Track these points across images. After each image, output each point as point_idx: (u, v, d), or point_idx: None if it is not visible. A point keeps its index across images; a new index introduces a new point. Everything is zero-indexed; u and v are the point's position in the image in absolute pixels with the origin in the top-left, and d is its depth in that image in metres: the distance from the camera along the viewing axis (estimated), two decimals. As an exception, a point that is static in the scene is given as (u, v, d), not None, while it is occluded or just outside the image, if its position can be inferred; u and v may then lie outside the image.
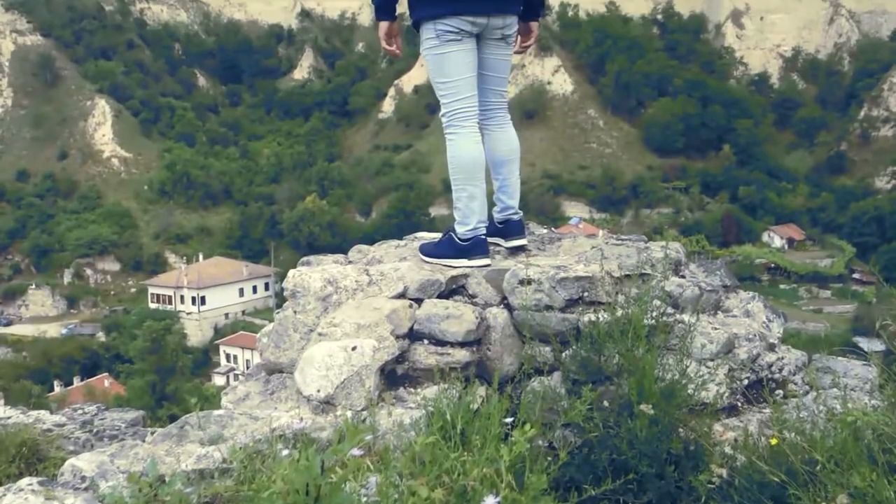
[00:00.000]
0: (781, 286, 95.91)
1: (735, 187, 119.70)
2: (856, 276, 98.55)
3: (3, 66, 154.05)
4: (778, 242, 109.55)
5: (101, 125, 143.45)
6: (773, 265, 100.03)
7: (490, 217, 4.38)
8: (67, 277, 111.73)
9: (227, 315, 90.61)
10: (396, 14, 4.30)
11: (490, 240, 4.24)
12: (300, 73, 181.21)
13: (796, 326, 66.53)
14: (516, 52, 4.52)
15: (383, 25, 4.26)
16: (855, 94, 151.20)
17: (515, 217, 4.40)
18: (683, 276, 3.91)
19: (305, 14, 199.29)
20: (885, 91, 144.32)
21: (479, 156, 4.18)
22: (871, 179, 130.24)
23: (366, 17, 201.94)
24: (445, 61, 4.13)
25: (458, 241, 4.08)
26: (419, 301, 3.62)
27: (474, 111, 4.20)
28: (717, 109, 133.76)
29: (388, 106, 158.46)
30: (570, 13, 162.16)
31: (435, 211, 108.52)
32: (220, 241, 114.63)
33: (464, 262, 4.00)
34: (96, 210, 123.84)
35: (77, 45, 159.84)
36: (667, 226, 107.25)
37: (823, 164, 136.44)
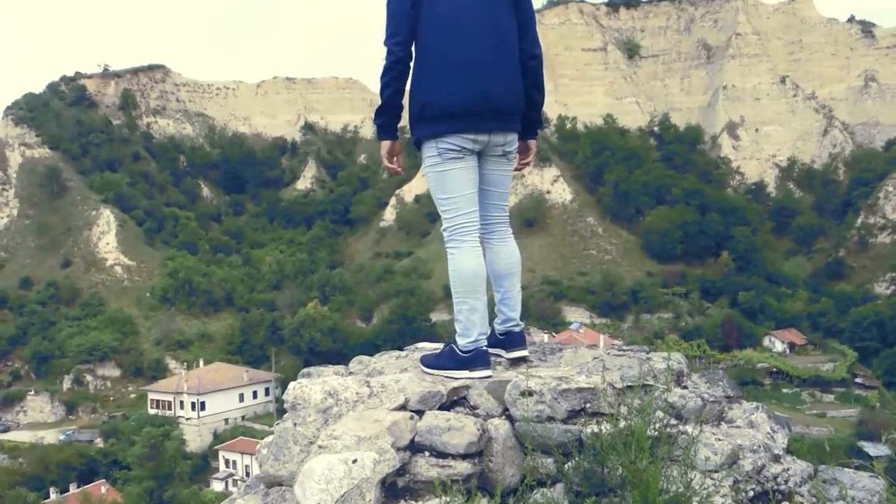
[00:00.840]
0: (784, 390, 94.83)
1: (735, 292, 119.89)
2: (858, 380, 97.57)
3: (10, 177, 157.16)
4: (779, 347, 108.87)
5: (106, 234, 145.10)
6: (775, 369, 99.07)
7: (491, 328, 4.40)
8: (67, 384, 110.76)
9: (226, 420, 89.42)
10: (398, 132, 4.38)
11: (491, 351, 4.23)
12: (303, 183, 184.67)
13: (800, 430, 65.47)
14: (515, 170, 4.59)
15: (386, 144, 4.34)
16: (851, 202, 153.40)
17: (517, 329, 4.41)
18: (686, 387, 3.90)
19: (309, 127, 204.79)
20: (882, 199, 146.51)
21: (480, 270, 4.21)
22: (870, 285, 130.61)
23: (367, 129, 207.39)
24: (447, 178, 4.20)
25: (459, 352, 4.08)
26: (420, 413, 3.59)
27: (475, 226, 4.26)
28: (715, 217, 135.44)
29: (389, 214, 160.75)
30: (569, 125, 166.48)
31: (436, 316, 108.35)
32: (221, 346, 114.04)
33: (465, 373, 3.99)
34: (98, 317, 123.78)
35: (84, 158, 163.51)
36: (667, 331, 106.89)
37: (822, 270, 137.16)
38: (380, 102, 4.27)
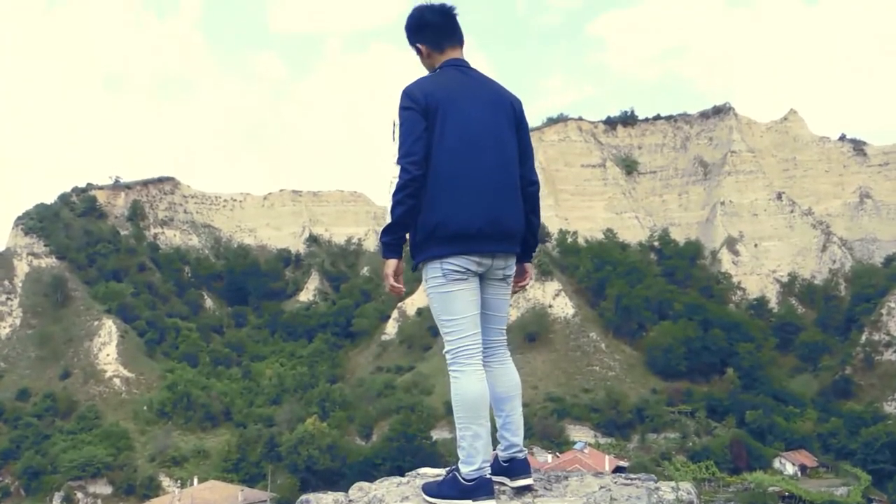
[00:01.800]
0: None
1: (742, 411, 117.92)
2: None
3: (16, 286, 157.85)
4: (790, 469, 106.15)
5: (107, 345, 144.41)
6: (787, 493, 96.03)
7: (494, 454, 4.31)
8: (57, 501, 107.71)
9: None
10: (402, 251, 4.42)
11: (495, 479, 4.14)
12: (306, 295, 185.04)
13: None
14: (512, 292, 4.66)
15: (391, 263, 4.33)
16: (854, 318, 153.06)
17: (520, 455, 4.32)
18: (696, 520, 3.76)
19: (313, 239, 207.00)
20: (885, 316, 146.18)
21: (484, 394, 4.18)
22: (879, 404, 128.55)
23: (371, 242, 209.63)
24: (451, 299, 4.23)
25: (462, 480, 3.99)
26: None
27: (478, 349, 4.26)
28: (719, 333, 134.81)
29: (391, 328, 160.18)
30: (570, 239, 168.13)
31: (437, 434, 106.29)
32: (216, 463, 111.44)
33: (468, 502, 3.89)
34: (93, 430, 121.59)
35: (90, 268, 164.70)
36: (674, 451, 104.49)
37: (829, 389, 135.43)
38: (389, 220, 4.27)
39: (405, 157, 4.20)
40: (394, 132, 4.34)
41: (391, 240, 4.27)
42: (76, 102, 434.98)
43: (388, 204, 4.29)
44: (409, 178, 4.18)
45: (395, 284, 4.36)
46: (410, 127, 4.22)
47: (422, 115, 4.21)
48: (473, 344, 4.24)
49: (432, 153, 4.22)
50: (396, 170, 4.24)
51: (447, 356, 4.29)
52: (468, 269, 4.22)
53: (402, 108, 4.24)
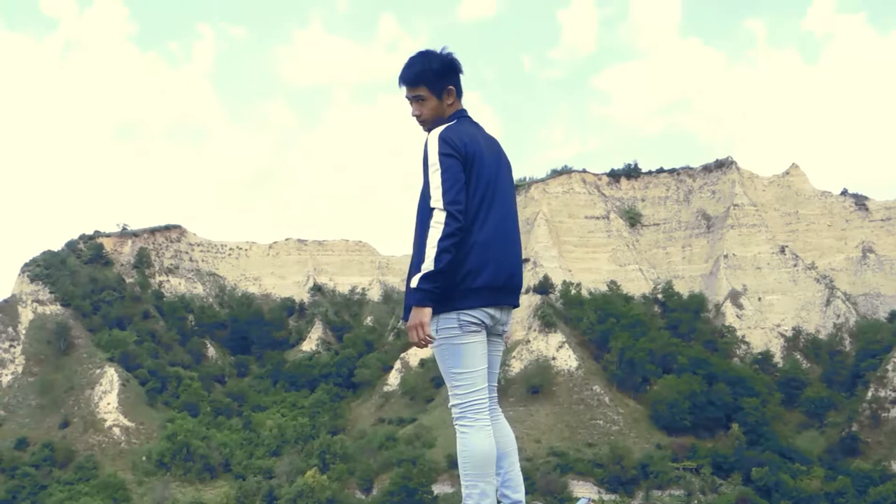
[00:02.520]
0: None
1: (748, 468, 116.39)
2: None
3: (19, 333, 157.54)
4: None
5: (107, 393, 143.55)
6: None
7: None
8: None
9: None
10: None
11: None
12: (309, 344, 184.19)
13: None
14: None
15: (429, 312, 4.17)
16: (859, 374, 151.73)
17: None
18: None
19: (317, 289, 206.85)
20: (890, 371, 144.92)
21: (492, 451, 4.18)
22: (887, 463, 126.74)
23: (375, 292, 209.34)
24: (466, 352, 4.23)
25: None
26: None
27: (486, 404, 4.28)
28: (723, 387, 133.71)
29: (393, 379, 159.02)
30: (573, 291, 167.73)
31: (438, 488, 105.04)
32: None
33: None
34: (91, 481, 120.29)
35: (94, 315, 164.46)
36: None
37: (836, 446, 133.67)
38: (432, 267, 4.14)
39: (452, 204, 4.17)
40: (427, 173, 4.28)
41: (434, 287, 4.15)
42: (86, 150, 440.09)
43: (432, 250, 4.16)
44: (457, 227, 4.15)
45: (431, 335, 4.25)
46: (455, 175, 4.23)
47: (462, 164, 4.26)
48: (482, 399, 4.25)
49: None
50: (440, 215, 4.17)
51: (454, 410, 4.27)
52: (483, 322, 4.26)
53: (444, 155, 4.23)
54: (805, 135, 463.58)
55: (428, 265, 4.14)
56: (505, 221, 4.41)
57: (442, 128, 4.37)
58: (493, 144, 4.58)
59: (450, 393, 4.29)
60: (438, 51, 4.58)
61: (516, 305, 4.53)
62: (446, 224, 4.15)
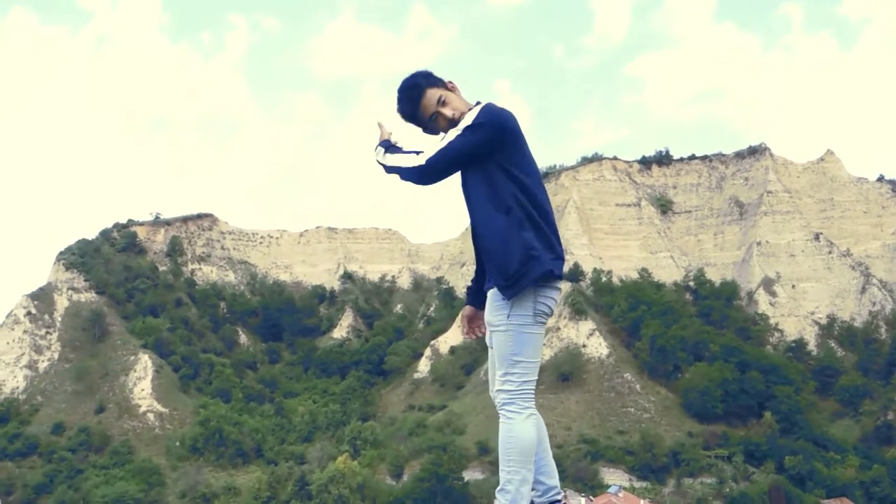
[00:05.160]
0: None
1: (780, 456, 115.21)
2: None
3: (55, 321, 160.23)
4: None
5: (142, 380, 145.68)
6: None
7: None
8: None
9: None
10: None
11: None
12: (339, 332, 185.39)
13: None
14: (465, 335, 4.86)
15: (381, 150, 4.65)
16: (895, 362, 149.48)
17: (558, 498, 4.36)
18: None
19: (348, 276, 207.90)
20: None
21: (535, 439, 4.23)
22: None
23: (405, 279, 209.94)
24: (532, 342, 4.27)
25: None
26: None
27: (534, 394, 4.32)
28: (756, 375, 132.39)
29: (423, 366, 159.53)
30: (604, 279, 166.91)
31: (468, 475, 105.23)
32: (246, 501, 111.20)
33: None
34: (126, 466, 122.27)
35: (128, 303, 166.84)
36: (711, 497, 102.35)
37: (871, 434, 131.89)
38: (387, 166, 4.56)
39: (436, 167, 4.42)
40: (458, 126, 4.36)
41: (386, 163, 4.61)
42: (120, 140, 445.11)
43: (406, 168, 4.46)
44: (422, 174, 4.40)
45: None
46: (464, 148, 4.36)
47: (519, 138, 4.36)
48: (532, 389, 4.30)
49: (528, 185, 4.28)
50: (423, 158, 4.39)
51: (503, 395, 4.25)
52: (552, 311, 4.31)
53: (510, 130, 4.33)
54: (840, 121, 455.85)
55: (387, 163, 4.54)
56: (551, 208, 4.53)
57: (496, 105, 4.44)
58: None
59: (502, 378, 4.28)
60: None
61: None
62: (417, 168, 4.36)
